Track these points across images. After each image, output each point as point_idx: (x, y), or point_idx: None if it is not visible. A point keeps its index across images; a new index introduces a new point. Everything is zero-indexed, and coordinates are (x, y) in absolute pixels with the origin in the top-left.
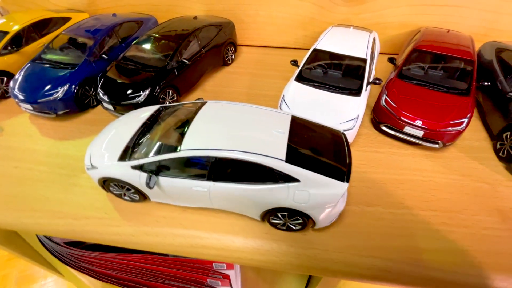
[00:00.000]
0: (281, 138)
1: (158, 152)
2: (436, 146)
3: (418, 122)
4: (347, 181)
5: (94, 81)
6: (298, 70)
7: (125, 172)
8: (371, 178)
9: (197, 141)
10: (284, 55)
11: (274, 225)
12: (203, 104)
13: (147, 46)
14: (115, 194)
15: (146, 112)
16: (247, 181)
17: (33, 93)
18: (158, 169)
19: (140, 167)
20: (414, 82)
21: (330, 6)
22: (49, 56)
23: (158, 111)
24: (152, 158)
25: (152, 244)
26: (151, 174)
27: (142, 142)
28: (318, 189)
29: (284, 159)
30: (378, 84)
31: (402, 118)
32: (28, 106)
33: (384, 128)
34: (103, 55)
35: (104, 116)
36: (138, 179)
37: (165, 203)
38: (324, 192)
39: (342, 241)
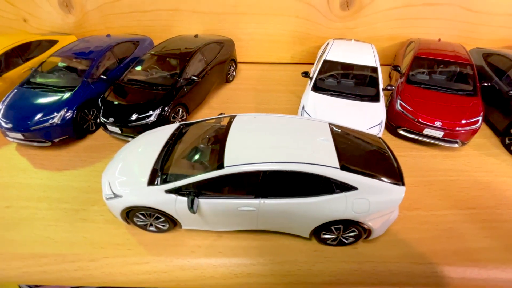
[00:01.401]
0: (328, 146)
1: (196, 172)
2: (456, 145)
3: (438, 123)
4: (403, 184)
5: (94, 104)
6: (312, 81)
7: (158, 198)
8: None
9: (242, 156)
10: (284, 70)
11: (323, 241)
12: (232, 118)
13: (152, 64)
14: (139, 226)
15: (164, 131)
16: (300, 195)
17: (24, 120)
18: (198, 191)
19: (176, 191)
20: (423, 86)
21: (326, 22)
22: (40, 80)
23: (179, 129)
24: (191, 178)
25: (190, 280)
26: (193, 197)
27: (172, 163)
28: (378, 196)
29: (338, 166)
30: (390, 90)
31: (420, 120)
32: (18, 135)
33: (402, 132)
34: (102, 76)
35: (105, 141)
36: (174, 204)
37: (196, 230)
38: (383, 198)
39: (395, 250)
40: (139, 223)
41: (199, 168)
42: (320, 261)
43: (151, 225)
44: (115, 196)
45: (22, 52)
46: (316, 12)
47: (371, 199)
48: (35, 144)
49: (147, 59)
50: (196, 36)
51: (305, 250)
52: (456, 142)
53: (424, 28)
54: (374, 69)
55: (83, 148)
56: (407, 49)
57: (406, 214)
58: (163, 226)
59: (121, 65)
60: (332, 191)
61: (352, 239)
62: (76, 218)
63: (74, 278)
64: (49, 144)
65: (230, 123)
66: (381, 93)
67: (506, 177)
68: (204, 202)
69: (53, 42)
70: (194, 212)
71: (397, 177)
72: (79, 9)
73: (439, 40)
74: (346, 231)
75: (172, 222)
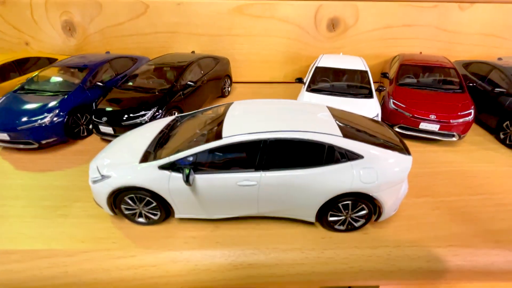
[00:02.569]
0: (328, 120)
1: (192, 147)
2: (454, 139)
3: (432, 116)
4: (409, 153)
5: (88, 110)
6: (306, 83)
7: (150, 175)
8: None
9: (241, 128)
10: (276, 88)
11: (331, 226)
12: (229, 104)
13: (149, 73)
14: (126, 216)
15: (160, 123)
16: (303, 166)
17: (11, 119)
18: (194, 167)
19: (171, 167)
20: (412, 87)
21: (315, 43)
22: (35, 86)
23: (175, 120)
24: (187, 151)
25: (182, 274)
26: (189, 169)
27: (167, 145)
28: (385, 165)
29: (341, 135)
30: (382, 90)
31: (415, 115)
32: (3, 135)
33: (398, 129)
34: (99, 83)
35: (97, 146)
36: (167, 182)
37: (191, 220)
38: (391, 167)
39: (410, 234)
40: (127, 212)
41: (196, 145)
42: (329, 247)
43: (140, 215)
44: (103, 177)
45: (20, 66)
46: (306, 34)
47: (378, 168)
48: (21, 146)
49: (145, 68)
50: (193, 52)
51: (311, 238)
52: (453, 135)
53: (405, 48)
54: (365, 72)
55: (72, 151)
56: (392, 62)
57: (415, 201)
58: (154, 214)
59: (118, 77)
60: (337, 161)
61: (361, 221)
62: (56, 214)
63: (47, 277)
64: (35, 146)
65: (227, 108)
66: (374, 91)
67: (509, 166)
68: (200, 179)
69: (52, 60)
70: (189, 184)
71: (402, 147)
72: (81, 32)
73: (420, 53)
74: (354, 210)
75: (163, 210)
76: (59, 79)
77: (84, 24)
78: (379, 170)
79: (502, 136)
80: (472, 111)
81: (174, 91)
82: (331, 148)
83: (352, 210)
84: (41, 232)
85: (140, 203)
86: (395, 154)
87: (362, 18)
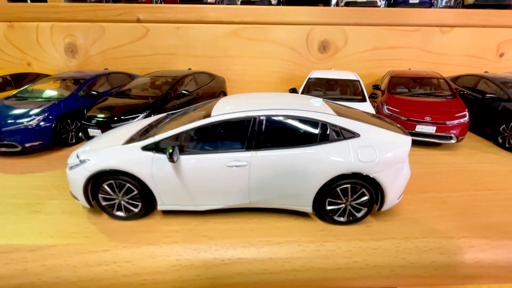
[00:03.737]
0: (322, 104)
1: (179, 126)
2: (452, 141)
3: (428, 118)
4: (407, 134)
5: (79, 117)
6: (300, 91)
7: (132, 156)
8: None
9: (232, 108)
10: None
11: (330, 217)
12: (221, 97)
13: (145, 83)
14: (104, 208)
15: (149, 120)
16: (297, 145)
17: None
18: (180, 148)
19: (155, 147)
20: (404, 95)
21: (307, 63)
22: (27, 95)
23: (165, 116)
24: (174, 130)
25: (161, 270)
26: (173, 146)
27: (153, 131)
28: (383, 143)
29: (334, 114)
30: (375, 98)
31: (411, 118)
32: None
33: None
34: (93, 92)
35: None
36: (150, 165)
37: (175, 215)
38: (389, 146)
39: (417, 226)
40: (104, 203)
41: (183, 125)
42: (329, 239)
43: (119, 207)
44: (81, 162)
45: (18, 81)
46: (298, 55)
47: (376, 146)
48: (3, 149)
49: (141, 80)
50: (189, 69)
51: (308, 230)
52: (451, 137)
53: (394, 68)
54: (356, 81)
55: (56, 156)
56: (383, 78)
57: (420, 196)
58: (134, 206)
59: (114, 89)
60: (332, 140)
61: (363, 210)
62: (28, 211)
63: (1, 276)
64: (19, 148)
65: (218, 99)
66: (367, 96)
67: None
68: (186, 160)
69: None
70: (174, 161)
71: (399, 128)
72: (83, 54)
73: (409, 69)
74: (354, 196)
75: (145, 200)
76: (53, 88)
77: (86, 46)
78: (377, 148)
79: (500, 140)
80: (467, 113)
81: (168, 99)
82: (325, 126)
83: (352, 196)
84: (6, 228)
85: (120, 191)
86: (393, 134)
87: (351, 41)
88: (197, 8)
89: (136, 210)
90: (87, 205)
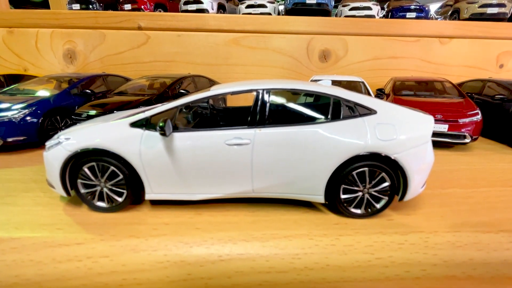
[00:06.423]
0: (331, 86)
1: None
2: (467, 140)
3: (439, 116)
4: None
5: (68, 114)
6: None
7: (119, 134)
8: None
9: (231, 85)
10: None
11: (345, 208)
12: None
13: (142, 83)
14: (83, 197)
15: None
16: (306, 122)
17: None
18: (174, 126)
19: (145, 124)
20: (411, 96)
21: (308, 72)
22: (17, 92)
23: None
24: (168, 104)
25: (144, 268)
26: (165, 118)
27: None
28: (403, 120)
29: (347, 92)
30: (381, 98)
31: None
32: None
33: None
34: (87, 90)
35: None
36: (138, 144)
37: (167, 208)
38: (410, 125)
39: (445, 220)
40: (84, 190)
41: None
42: (346, 233)
43: (101, 196)
44: (60, 142)
45: (12, 80)
46: (299, 64)
47: (396, 123)
48: None
49: (139, 80)
50: (189, 73)
51: (321, 224)
52: (465, 136)
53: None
54: (361, 82)
55: (39, 153)
56: (387, 84)
57: (442, 191)
58: (119, 195)
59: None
60: (346, 117)
61: (384, 200)
62: None
63: None
64: (0, 143)
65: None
66: (373, 95)
67: None
68: (180, 138)
69: None
70: (166, 135)
71: (416, 110)
72: (82, 60)
73: (411, 76)
74: (373, 182)
75: (131, 187)
76: (45, 86)
77: (85, 52)
78: (397, 125)
79: None
80: (479, 111)
81: (165, 97)
82: (337, 101)
83: (370, 182)
84: None
85: (103, 176)
86: (413, 112)
87: (352, 50)
88: (198, 16)
89: (120, 199)
90: (64, 194)
